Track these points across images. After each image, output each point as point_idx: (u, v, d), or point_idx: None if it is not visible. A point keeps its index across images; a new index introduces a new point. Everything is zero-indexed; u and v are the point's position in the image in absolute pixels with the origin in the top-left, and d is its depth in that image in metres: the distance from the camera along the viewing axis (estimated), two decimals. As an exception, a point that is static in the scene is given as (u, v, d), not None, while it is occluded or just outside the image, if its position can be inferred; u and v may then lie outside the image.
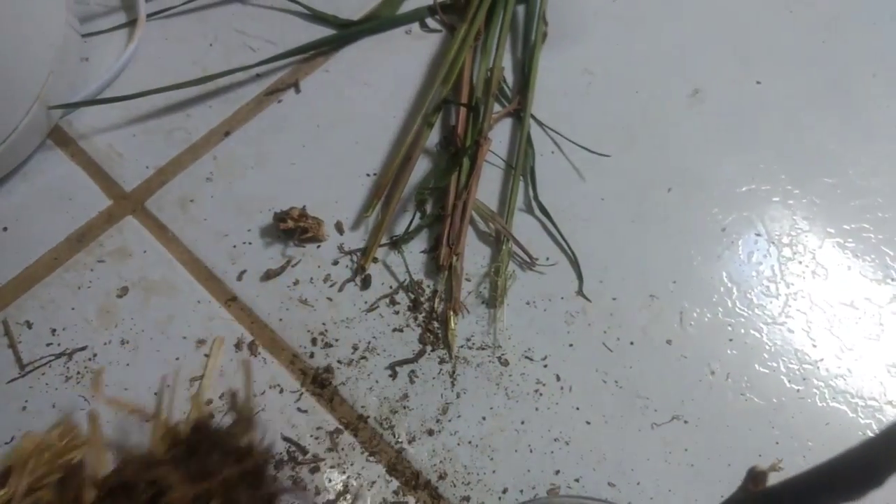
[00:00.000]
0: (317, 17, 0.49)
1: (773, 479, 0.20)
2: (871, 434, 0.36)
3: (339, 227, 0.42)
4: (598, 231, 0.42)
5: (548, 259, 0.41)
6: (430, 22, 0.50)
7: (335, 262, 0.41)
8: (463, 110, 0.44)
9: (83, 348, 0.38)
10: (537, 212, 0.43)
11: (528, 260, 0.41)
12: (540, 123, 0.46)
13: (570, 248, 0.42)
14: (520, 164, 0.43)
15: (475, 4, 0.47)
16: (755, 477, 0.20)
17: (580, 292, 0.41)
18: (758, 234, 0.43)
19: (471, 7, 0.47)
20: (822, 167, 0.45)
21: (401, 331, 0.39)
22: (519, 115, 0.46)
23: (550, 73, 0.48)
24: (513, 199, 0.42)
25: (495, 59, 0.47)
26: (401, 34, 0.50)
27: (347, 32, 0.48)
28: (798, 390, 0.39)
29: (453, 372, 0.38)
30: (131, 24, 0.47)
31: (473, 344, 0.39)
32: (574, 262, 0.41)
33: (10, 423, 0.36)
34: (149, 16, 0.48)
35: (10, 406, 0.37)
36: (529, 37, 0.49)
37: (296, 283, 0.40)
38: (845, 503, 0.16)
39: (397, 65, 0.48)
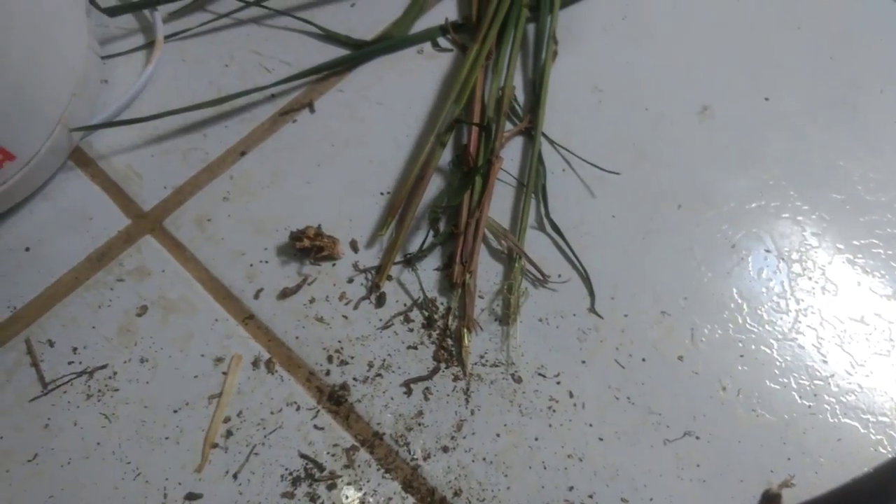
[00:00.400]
0: (330, 38, 0.50)
1: (788, 498, 0.20)
2: (882, 451, 0.37)
3: (353, 246, 0.43)
4: (609, 248, 0.43)
5: (560, 276, 0.42)
6: (442, 42, 0.51)
7: (350, 280, 0.42)
8: (475, 129, 0.45)
9: (104, 366, 0.39)
10: (549, 229, 0.43)
11: (540, 277, 0.42)
12: (551, 141, 0.46)
13: (581, 265, 0.42)
14: (531, 182, 0.44)
15: (486, 24, 0.48)
16: (770, 500, 0.20)
17: (592, 309, 0.41)
18: (767, 251, 0.43)
19: (482, 26, 0.48)
20: (831, 183, 0.45)
21: (415, 348, 0.40)
22: (530, 133, 0.46)
23: (561, 91, 0.48)
24: (524, 217, 0.43)
25: (506, 77, 0.48)
26: (413, 54, 0.51)
27: (360, 52, 0.49)
28: (809, 406, 0.39)
29: (467, 389, 0.39)
30: (149, 46, 0.48)
31: (487, 361, 0.39)
32: (586, 279, 0.42)
33: (33, 440, 0.37)
34: (166, 38, 0.49)
35: (33, 424, 0.38)
36: (540, 55, 0.49)
37: (312, 301, 0.41)
38: (858, 528, 0.17)
39: (410, 84, 0.49)
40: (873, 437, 0.38)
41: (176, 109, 0.45)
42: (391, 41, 0.50)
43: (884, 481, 0.15)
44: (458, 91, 0.46)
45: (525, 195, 0.44)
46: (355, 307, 0.41)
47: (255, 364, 0.39)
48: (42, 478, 0.37)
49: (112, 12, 0.48)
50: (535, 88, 0.48)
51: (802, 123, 0.48)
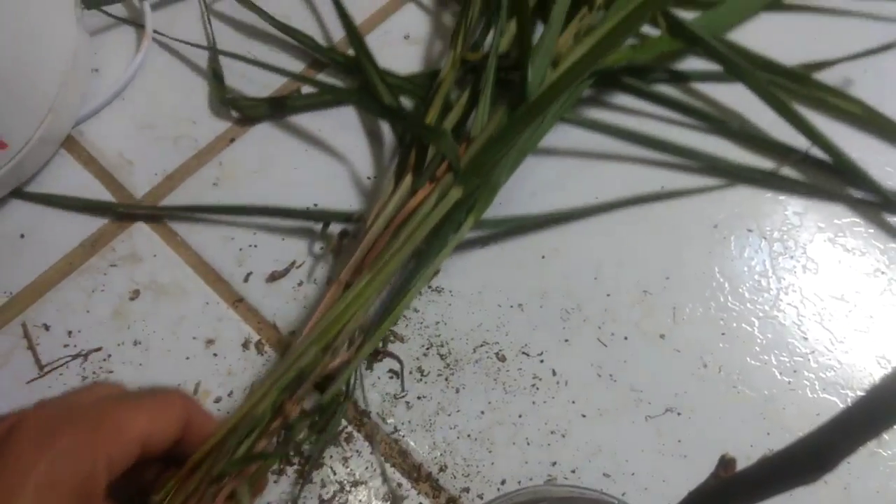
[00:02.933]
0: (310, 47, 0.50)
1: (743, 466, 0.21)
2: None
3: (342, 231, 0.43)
4: (592, 228, 0.44)
5: (543, 258, 0.43)
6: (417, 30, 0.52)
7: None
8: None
9: (98, 349, 0.40)
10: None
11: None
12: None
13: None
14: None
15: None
16: (726, 464, 0.21)
17: (574, 290, 0.42)
18: (749, 230, 0.44)
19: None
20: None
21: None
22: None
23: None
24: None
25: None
26: (399, 39, 0.51)
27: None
28: (789, 382, 0.40)
29: (452, 367, 0.39)
30: (138, 35, 0.49)
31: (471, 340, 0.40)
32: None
33: (29, 421, 0.38)
34: (154, 30, 0.49)
35: (30, 405, 0.39)
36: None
37: (300, 284, 0.42)
38: (800, 485, 0.18)
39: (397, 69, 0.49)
40: (851, 412, 0.38)
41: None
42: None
43: (824, 441, 0.16)
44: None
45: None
46: (343, 289, 0.42)
47: (245, 345, 0.40)
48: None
49: (97, 2, 0.48)
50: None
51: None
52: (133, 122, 0.46)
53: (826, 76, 0.47)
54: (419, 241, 0.38)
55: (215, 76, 0.47)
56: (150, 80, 0.48)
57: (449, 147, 0.39)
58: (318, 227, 0.43)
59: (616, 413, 0.39)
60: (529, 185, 0.45)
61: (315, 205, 0.44)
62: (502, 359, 0.40)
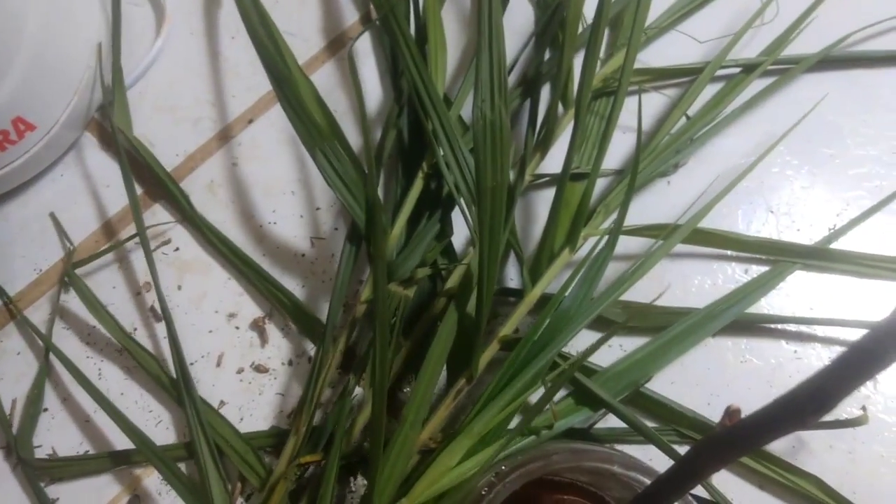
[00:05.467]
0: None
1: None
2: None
3: (357, 207, 0.45)
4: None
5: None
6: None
7: (354, 240, 0.44)
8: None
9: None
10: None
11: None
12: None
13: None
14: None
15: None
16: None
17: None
18: (757, 204, 0.44)
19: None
20: (821, 138, 0.46)
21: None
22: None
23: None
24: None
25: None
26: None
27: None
28: (795, 351, 0.41)
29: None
30: (158, 19, 0.50)
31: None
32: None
33: (60, 391, 0.40)
34: (174, 12, 0.50)
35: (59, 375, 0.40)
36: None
37: (317, 259, 0.43)
38: (801, 427, 0.19)
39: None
40: (857, 379, 0.39)
41: (185, 80, 0.46)
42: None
43: (824, 383, 0.17)
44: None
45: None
46: (360, 264, 0.43)
47: (270, 315, 0.42)
48: (69, 425, 0.40)
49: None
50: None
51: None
52: (154, 104, 0.48)
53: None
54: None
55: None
56: (170, 63, 0.49)
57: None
58: (335, 215, 0.44)
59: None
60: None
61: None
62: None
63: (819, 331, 0.41)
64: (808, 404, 0.18)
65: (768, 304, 0.42)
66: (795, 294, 0.42)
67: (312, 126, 0.39)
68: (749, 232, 0.43)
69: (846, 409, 0.39)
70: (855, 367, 0.17)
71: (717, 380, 0.40)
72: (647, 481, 0.28)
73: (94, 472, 0.39)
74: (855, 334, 0.41)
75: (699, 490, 0.35)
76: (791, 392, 0.19)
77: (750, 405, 0.35)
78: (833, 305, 0.42)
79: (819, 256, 0.41)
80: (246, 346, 0.41)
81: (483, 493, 0.27)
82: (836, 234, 0.42)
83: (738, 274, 0.42)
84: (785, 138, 0.42)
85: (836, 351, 0.40)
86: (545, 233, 0.39)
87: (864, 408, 0.37)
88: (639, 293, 0.40)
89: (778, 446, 0.38)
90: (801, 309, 0.41)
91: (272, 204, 0.45)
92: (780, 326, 0.41)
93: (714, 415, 0.39)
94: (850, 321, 0.40)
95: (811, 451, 0.39)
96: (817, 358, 0.40)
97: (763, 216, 0.44)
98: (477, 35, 0.36)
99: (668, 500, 0.23)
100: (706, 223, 0.40)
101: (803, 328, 0.41)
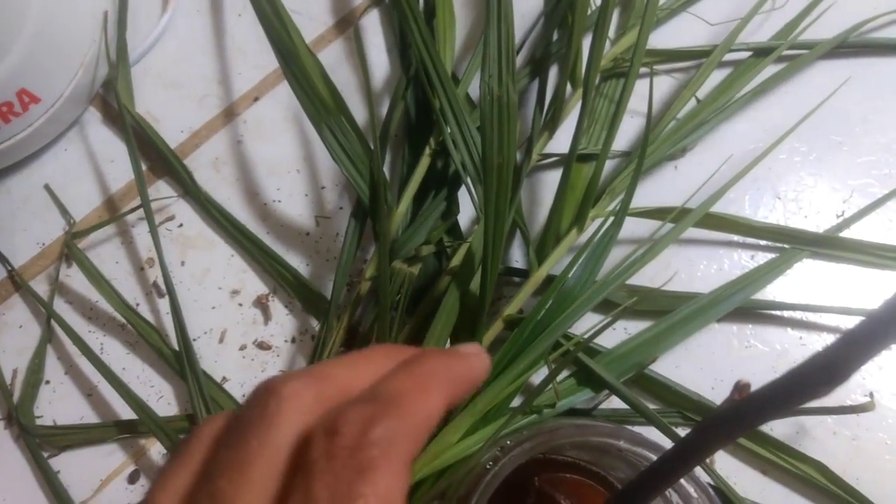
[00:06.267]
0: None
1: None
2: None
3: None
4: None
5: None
6: None
7: (359, 219, 0.43)
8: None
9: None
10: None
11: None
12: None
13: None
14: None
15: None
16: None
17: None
18: (764, 190, 0.44)
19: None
20: (829, 125, 0.46)
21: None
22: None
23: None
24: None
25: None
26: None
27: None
28: (801, 338, 0.40)
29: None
30: (164, -4, 0.50)
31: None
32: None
33: (63, 365, 0.40)
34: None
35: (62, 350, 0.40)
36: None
37: (321, 237, 0.43)
38: (813, 399, 0.18)
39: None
40: (862, 366, 0.39)
41: (191, 56, 0.46)
42: None
43: (836, 354, 0.17)
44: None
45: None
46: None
47: (274, 292, 0.41)
48: (71, 398, 0.39)
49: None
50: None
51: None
52: (160, 81, 0.47)
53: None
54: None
55: None
56: (176, 40, 0.49)
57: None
58: (341, 194, 0.44)
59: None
60: None
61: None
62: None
63: (825, 318, 0.41)
64: (821, 374, 0.18)
65: (774, 291, 0.41)
66: (801, 281, 0.42)
67: (318, 101, 0.39)
68: (756, 218, 0.43)
69: (852, 395, 0.39)
70: (869, 337, 0.17)
71: (721, 364, 0.40)
72: (654, 457, 0.27)
73: (95, 441, 0.39)
74: (861, 321, 0.40)
75: (704, 479, 0.34)
76: (803, 363, 0.19)
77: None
78: (839, 293, 0.41)
79: (827, 244, 0.41)
80: (249, 323, 0.41)
81: (488, 466, 0.26)
82: (845, 222, 0.42)
83: (744, 260, 0.42)
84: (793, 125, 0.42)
85: (842, 338, 0.40)
86: (552, 212, 0.38)
87: (871, 394, 0.37)
88: (644, 278, 0.40)
89: (782, 432, 0.38)
90: (806, 296, 0.41)
91: (277, 182, 0.45)
92: (785, 313, 0.41)
93: (718, 398, 0.38)
94: (855, 309, 0.40)
95: (815, 437, 0.38)
96: (822, 345, 0.40)
97: (770, 202, 0.44)
98: (486, 10, 0.36)
99: (676, 475, 0.23)
100: (714, 209, 0.40)
101: (809, 315, 0.41)
